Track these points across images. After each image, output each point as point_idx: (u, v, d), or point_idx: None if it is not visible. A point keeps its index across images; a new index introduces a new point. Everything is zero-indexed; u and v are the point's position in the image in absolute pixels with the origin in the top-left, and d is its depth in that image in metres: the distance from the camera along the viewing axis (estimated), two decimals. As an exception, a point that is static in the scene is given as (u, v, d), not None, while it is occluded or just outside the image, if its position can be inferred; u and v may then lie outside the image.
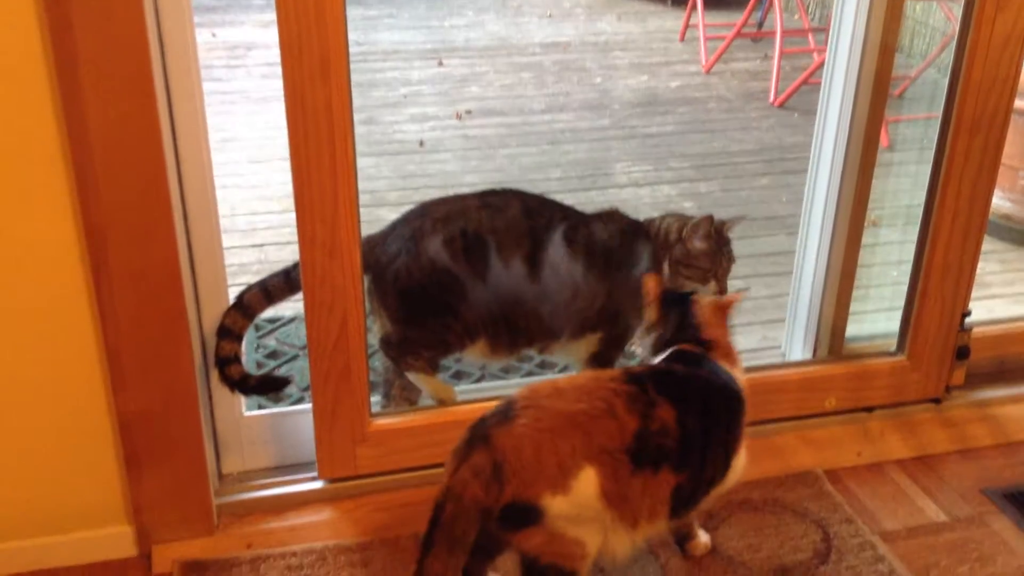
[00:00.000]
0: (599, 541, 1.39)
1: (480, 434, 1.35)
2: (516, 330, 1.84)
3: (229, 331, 1.68)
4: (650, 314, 1.61)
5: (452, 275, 1.78)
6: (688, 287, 1.88)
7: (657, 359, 1.56)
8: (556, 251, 1.81)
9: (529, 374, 2.33)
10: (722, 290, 1.86)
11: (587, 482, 1.34)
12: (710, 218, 1.83)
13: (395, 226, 1.83)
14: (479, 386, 2.25)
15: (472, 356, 1.89)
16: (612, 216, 1.90)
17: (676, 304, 1.60)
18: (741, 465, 1.57)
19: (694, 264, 1.84)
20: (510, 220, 1.80)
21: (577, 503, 1.34)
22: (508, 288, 1.80)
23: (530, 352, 1.98)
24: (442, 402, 1.87)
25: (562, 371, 2.18)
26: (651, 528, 1.44)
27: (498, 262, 1.78)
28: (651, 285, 1.61)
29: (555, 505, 1.33)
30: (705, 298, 1.63)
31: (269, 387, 1.78)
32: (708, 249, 1.84)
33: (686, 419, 1.40)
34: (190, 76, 1.51)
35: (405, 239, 1.79)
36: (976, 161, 1.85)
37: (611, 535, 1.39)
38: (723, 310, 1.61)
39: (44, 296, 1.48)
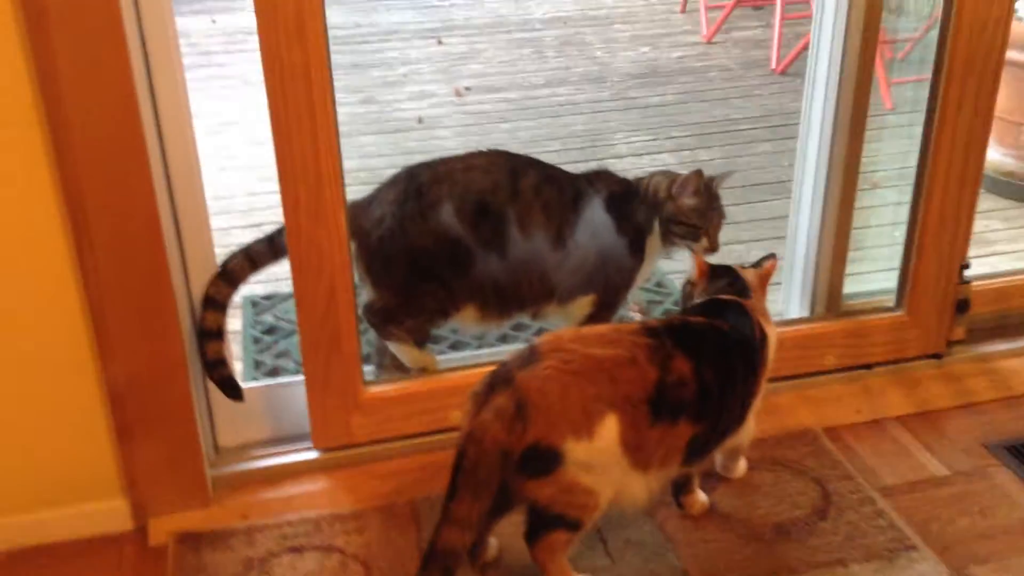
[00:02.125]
0: (611, 494, 1.39)
1: (503, 377, 1.35)
2: (506, 295, 1.83)
3: (213, 300, 1.67)
4: (697, 285, 1.62)
5: (438, 240, 1.76)
6: (680, 245, 1.86)
7: (690, 305, 1.58)
8: (546, 213, 1.79)
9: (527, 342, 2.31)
10: (713, 247, 1.84)
11: (609, 429, 1.34)
12: (699, 173, 1.81)
13: (380, 191, 1.81)
14: (476, 353, 2.24)
15: (463, 323, 1.88)
16: (601, 176, 1.88)
17: (722, 273, 1.61)
18: (753, 423, 1.58)
19: (685, 221, 1.82)
20: (497, 182, 1.78)
21: (598, 450, 1.33)
22: (497, 251, 1.78)
23: (523, 318, 1.96)
24: (423, 370, 1.86)
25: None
26: (663, 474, 1.45)
27: (485, 225, 1.77)
28: (699, 261, 1.63)
29: (577, 450, 1.32)
30: (747, 269, 1.63)
31: (226, 388, 1.72)
32: (698, 205, 1.82)
33: (703, 371, 1.40)
34: (167, 34, 1.49)
35: (390, 203, 1.77)
36: (970, 106, 1.81)
37: (626, 481, 1.39)
38: (764, 279, 1.62)
39: (26, 265, 1.48)
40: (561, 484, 1.35)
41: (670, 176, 1.86)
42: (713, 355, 1.44)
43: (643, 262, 1.90)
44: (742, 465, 1.71)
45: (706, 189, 1.83)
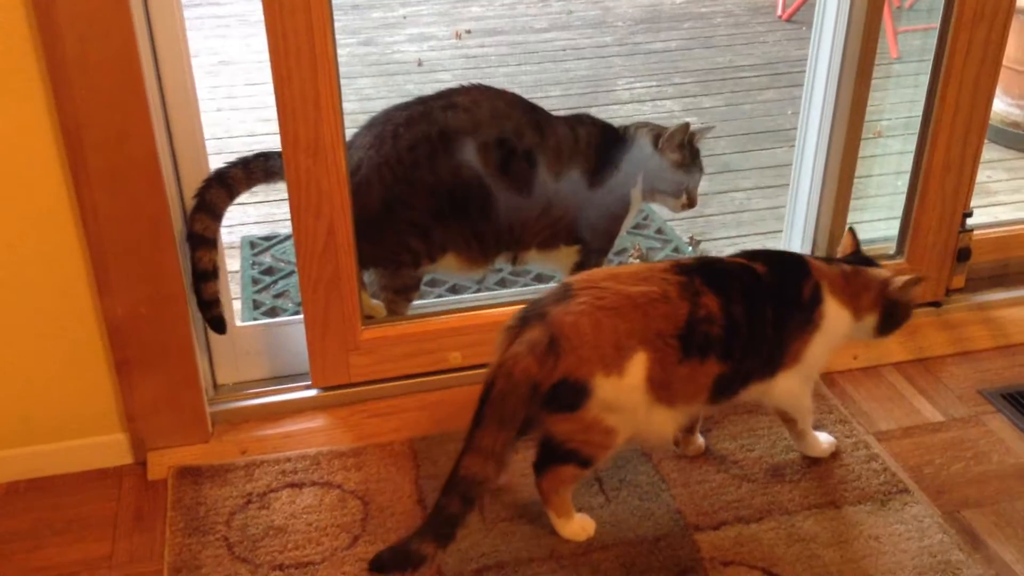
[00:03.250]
0: (628, 435, 1.41)
1: (536, 311, 1.36)
2: (485, 239, 1.79)
3: (202, 238, 1.60)
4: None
5: (415, 183, 1.72)
6: (659, 200, 1.84)
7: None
8: (529, 157, 1.76)
9: (525, 285, 2.31)
10: (692, 202, 1.84)
11: (638, 366, 1.34)
12: (686, 126, 1.78)
13: (356, 136, 1.76)
14: (475, 296, 2.23)
15: (447, 271, 1.85)
16: (583, 120, 1.84)
17: (851, 260, 1.57)
18: (790, 386, 1.52)
19: (669, 178, 1.80)
20: (477, 122, 1.73)
21: (625, 387, 1.35)
22: (476, 194, 1.74)
23: (503, 262, 1.93)
24: (369, 318, 1.83)
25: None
26: (689, 410, 1.46)
27: (465, 167, 1.73)
28: (849, 239, 1.59)
29: (605, 386, 1.34)
30: (871, 270, 1.54)
31: (216, 326, 1.68)
32: (682, 160, 1.80)
33: (731, 308, 1.40)
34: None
35: (366, 148, 1.72)
36: (978, 55, 1.79)
37: (652, 415, 1.40)
38: (866, 278, 1.52)
39: (24, 200, 1.47)
40: (584, 421, 1.36)
41: (655, 129, 1.84)
42: (742, 294, 1.43)
43: (629, 211, 1.88)
44: (817, 442, 1.63)
45: (689, 144, 1.81)
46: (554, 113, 1.88)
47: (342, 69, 1.55)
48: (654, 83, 3.73)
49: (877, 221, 2.12)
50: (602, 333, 1.33)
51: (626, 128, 1.87)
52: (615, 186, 1.83)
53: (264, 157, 1.70)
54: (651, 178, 1.81)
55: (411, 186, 1.73)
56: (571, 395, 1.33)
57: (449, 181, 1.73)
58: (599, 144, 1.82)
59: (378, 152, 1.71)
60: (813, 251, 2.03)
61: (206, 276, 1.64)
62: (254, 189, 1.76)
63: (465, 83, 1.80)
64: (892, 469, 1.62)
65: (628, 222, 1.91)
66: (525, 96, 1.85)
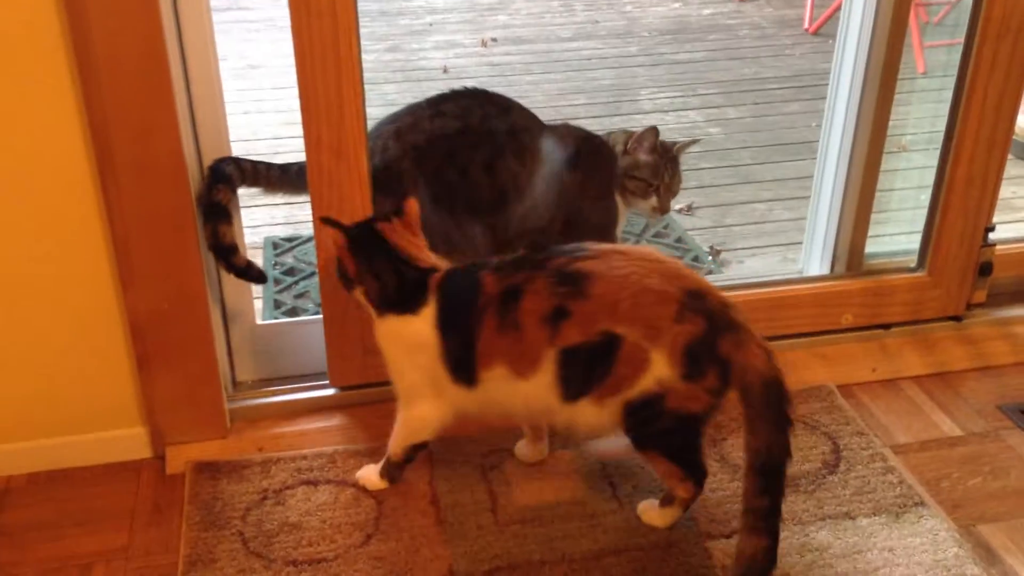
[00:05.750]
0: None
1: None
2: (474, 245, 1.79)
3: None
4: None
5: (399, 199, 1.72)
6: (631, 203, 1.86)
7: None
8: (516, 163, 1.77)
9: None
10: (664, 210, 1.86)
11: None
12: (654, 129, 1.83)
13: None
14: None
15: None
16: (564, 131, 1.85)
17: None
18: None
19: (637, 176, 1.83)
20: (466, 128, 1.74)
21: None
22: (460, 199, 1.75)
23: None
24: None
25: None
26: None
27: (447, 175, 1.73)
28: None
29: None
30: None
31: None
32: (652, 162, 1.83)
33: None
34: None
35: None
36: (1003, 69, 1.78)
37: None
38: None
39: (51, 194, 1.49)
40: None
41: (627, 133, 1.87)
42: None
43: (618, 218, 1.89)
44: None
45: (663, 149, 1.84)
46: (568, 122, 1.90)
47: (368, 75, 1.57)
48: (678, 94, 3.74)
49: (899, 234, 2.11)
50: None
51: (610, 134, 1.89)
52: (601, 196, 1.85)
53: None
54: (622, 178, 1.84)
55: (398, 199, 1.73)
56: None
57: (437, 187, 1.73)
58: (584, 153, 1.84)
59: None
60: (833, 267, 2.02)
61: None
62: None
63: (458, 88, 1.81)
64: (908, 482, 1.62)
65: (619, 229, 1.92)
66: (553, 104, 1.86)
